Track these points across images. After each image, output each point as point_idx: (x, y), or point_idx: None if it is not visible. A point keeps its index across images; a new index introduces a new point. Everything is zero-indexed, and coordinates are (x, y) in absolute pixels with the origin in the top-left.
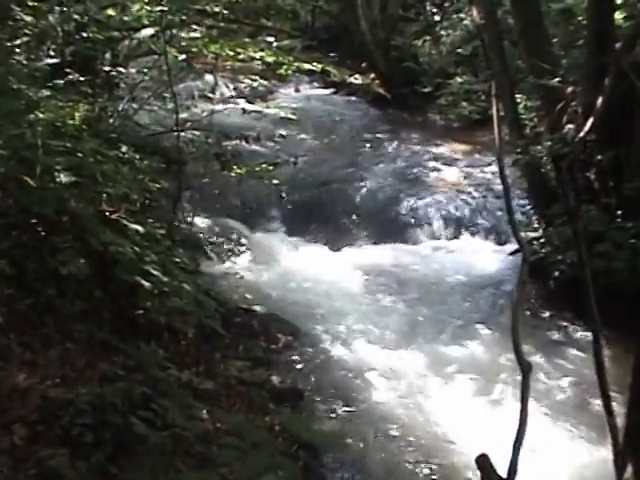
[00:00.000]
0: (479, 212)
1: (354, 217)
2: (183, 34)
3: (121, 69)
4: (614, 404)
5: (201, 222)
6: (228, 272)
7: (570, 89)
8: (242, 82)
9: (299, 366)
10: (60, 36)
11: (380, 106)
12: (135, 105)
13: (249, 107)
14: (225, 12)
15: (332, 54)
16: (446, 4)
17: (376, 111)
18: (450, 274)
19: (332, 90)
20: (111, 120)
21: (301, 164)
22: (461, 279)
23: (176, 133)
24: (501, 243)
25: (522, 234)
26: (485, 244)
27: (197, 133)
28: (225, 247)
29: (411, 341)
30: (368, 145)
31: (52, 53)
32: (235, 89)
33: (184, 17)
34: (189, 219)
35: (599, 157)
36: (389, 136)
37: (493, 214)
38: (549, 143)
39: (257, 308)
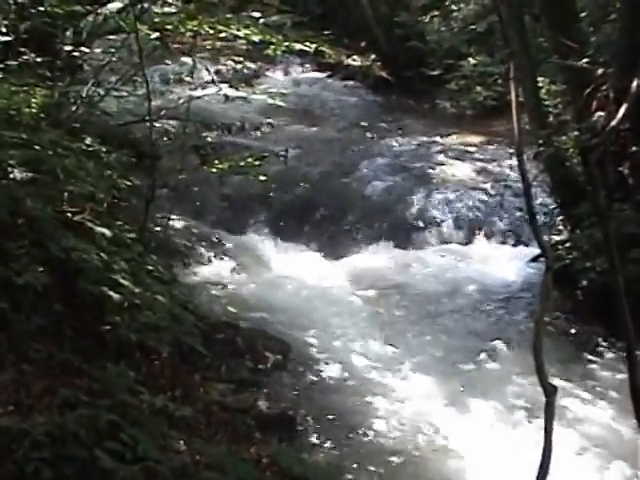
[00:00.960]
0: (495, 212)
1: (352, 219)
2: (156, 9)
3: (84, 49)
4: None
5: (178, 225)
6: (209, 282)
7: (600, 71)
8: (224, 64)
9: (290, 389)
10: (12, 10)
11: (382, 91)
12: (101, 90)
13: (232, 93)
14: None
15: (327, 32)
16: None
17: (377, 97)
18: (462, 283)
19: (327, 73)
20: (73, 108)
21: (292, 158)
22: (475, 289)
23: (148, 123)
24: (521, 247)
25: (545, 237)
26: (502, 249)
27: (173, 123)
28: (205, 253)
29: (418, 360)
30: (368, 136)
31: (3, 29)
32: (216, 72)
33: None
34: (164, 221)
35: (634, 148)
36: (392, 126)
37: (511, 214)
38: (576, 133)
39: (242, 323)
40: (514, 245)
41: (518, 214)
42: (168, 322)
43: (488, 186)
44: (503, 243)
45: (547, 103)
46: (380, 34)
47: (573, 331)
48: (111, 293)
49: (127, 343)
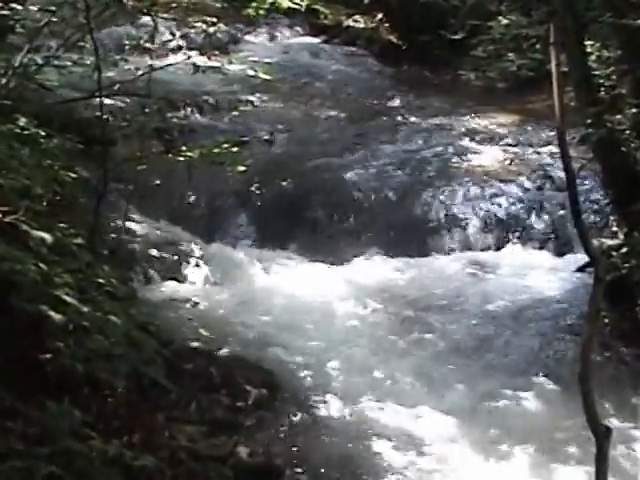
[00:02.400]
0: (532, 211)
1: (354, 220)
2: None
3: (16, 5)
4: None
5: (137, 227)
6: (175, 298)
7: None
8: (193, 27)
9: (277, 432)
10: None
11: (391, 60)
12: (38, 59)
13: (204, 63)
14: None
15: None
16: None
17: (385, 67)
18: (491, 299)
19: (322, 38)
20: (3, 80)
21: (278, 144)
22: (506, 307)
23: (99, 100)
24: (564, 254)
25: (594, 241)
26: (541, 256)
27: (129, 100)
28: (171, 263)
29: (437, 395)
30: (374, 117)
31: None
32: (184, 37)
33: None
34: (119, 223)
35: None
36: (404, 103)
37: (553, 213)
38: (634, 110)
39: (217, 349)
40: (556, 251)
41: (561, 213)
42: (124, 349)
43: (523, 178)
44: (542, 249)
45: (597, 73)
46: None
47: (629, 358)
48: (52, 313)
49: (72, 375)
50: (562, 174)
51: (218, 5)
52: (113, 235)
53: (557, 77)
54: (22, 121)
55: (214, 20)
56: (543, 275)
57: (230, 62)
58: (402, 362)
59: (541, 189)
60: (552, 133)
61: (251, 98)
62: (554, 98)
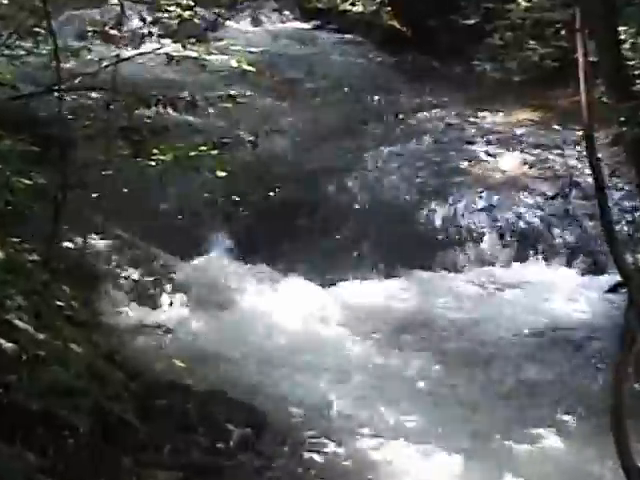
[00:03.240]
0: (557, 222)
1: (351, 232)
2: None
3: None
4: None
5: (101, 242)
6: (146, 324)
7: None
8: (166, 10)
9: (262, 478)
10: None
11: (394, 49)
12: None
13: (178, 52)
14: None
15: None
16: None
17: (387, 57)
18: (510, 323)
19: (315, 23)
20: None
21: (265, 146)
22: (526, 331)
23: (57, 95)
24: (593, 272)
25: (628, 258)
26: (567, 274)
27: (93, 95)
28: (141, 283)
29: (449, 435)
30: (375, 114)
31: None
32: (155, 23)
33: None
34: (81, 237)
35: None
36: (408, 99)
37: (580, 225)
38: None
39: (194, 382)
40: (583, 269)
41: (589, 224)
42: (86, 382)
43: (546, 185)
44: (568, 266)
45: (631, 63)
46: None
47: None
48: (2, 341)
49: (26, 413)
50: (591, 180)
51: None
52: (74, 250)
53: (584, 68)
54: None
55: (190, 3)
56: (569, 296)
57: (209, 52)
58: (405, 395)
59: (566, 197)
60: (579, 133)
61: (233, 93)
62: (581, 92)
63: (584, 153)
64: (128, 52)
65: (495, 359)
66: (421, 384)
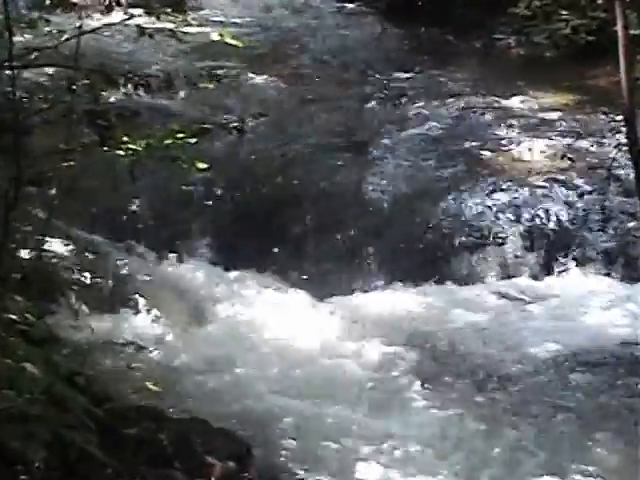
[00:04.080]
0: (593, 223)
1: (353, 236)
2: None
3: None
4: None
5: (61, 245)
6: (113, 340)
7: None
8: None
9: None
10: None
11: (402, 21)
12: None
13: (152, 24)
14: None
15: None
16: None
17: (394, 30)
18: (537, 341)
19: None
20: None
21: (252, 133)
22: (558, 350)
23: (10, 72)
24: (635, 280)
25: None
26: (604, 283)
27: (51, 72)
28: (108, 292)
29: (464, 474)
30: (380, 97)
31: None
32: None
33: None
34: (37, 239)
35: None
36: (419, 78)
37: (620, 227)
38: None
39: (169, 408)
40: (624, 277)
41: (631, 225)
42: (43, 408)
43: (580, 179)
44: (606, 274)
45: None
46: None
47: None
48: None
49: None
50: (632, 172)
51: None
52: (28, 255)
53: (624, 42)
54: None
55: None
56: (607, 309)
57: (187, 23)
58: (417, 423)
59: (604, 193)
60: (619, 117)
61: (215, 71)
62: (621, 71)
63: (625, 141)
64: (93, 23)
65: (521, 382)
66: (431, 410)
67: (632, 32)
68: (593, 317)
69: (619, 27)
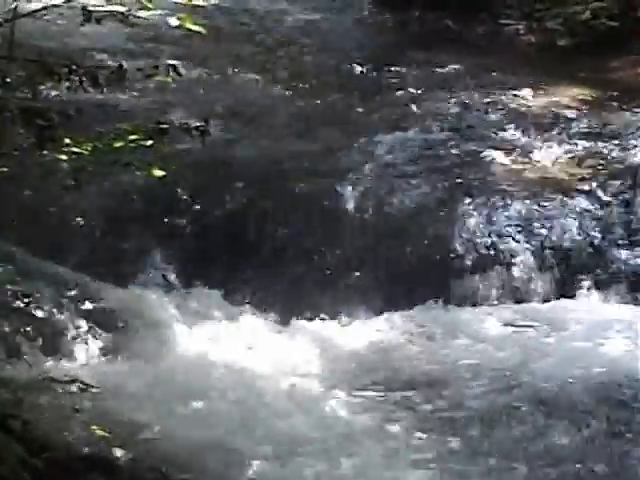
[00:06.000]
0: (615, 238)
1: (336, 254)
2: None
3: None
4: None
5: None
6: (55, 378)
7: None
8: None
9: None
10: None
11: (396, 5)
12: None
13: (100, 7)
14: None
15: None
16: None
17: (385, 15)
18: (550, 375)
19: None
20: None
21: (218, 135)
22: (574, 386)
23: None
24: None
25: None
26: (628, 310)
27: None
28: (48, 323)
29: None
30: (370, 91)
31: None
32: None
33: None
34: None
35: None
36: (415, 70)
37: None
38: None
39: (120, 456)
40: None
41: None
42: None
43: (600, 188)
44: (630, 299)
45: None
46: None
47: None
48: None
49: None
50: None
51: None
52: None
53: None
54: None
55: None
56: (632, 340)
57: (142, 6)
58: (406, 474)
59: (629, 205)
60: None
61: (174, 62)
62: None
63: None
64: (30, 5)
65: (527, 422)
66: (425, 456)
67: None
68: (613, 349)
69: None
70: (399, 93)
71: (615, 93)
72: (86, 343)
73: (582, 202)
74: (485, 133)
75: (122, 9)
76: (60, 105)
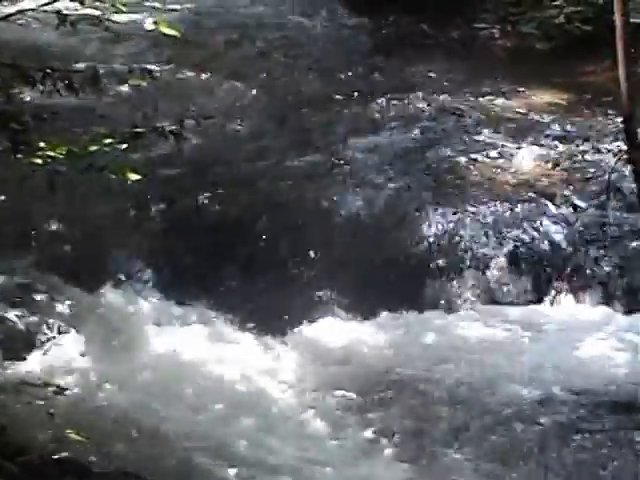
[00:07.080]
0: (589, 243)
1: (313, 259)
2: None
3: None
4: None
5: None
6: (29, 381)
7: None
8: None
9: None
10: None
11: (372, 9)
12: None
13: (75, 10)
14: None
15: None
16: None
17: (361, 18)
18: (524, 380)
19: None
20: None
21: (193, 138)
22: (549, 391)
23: None
24: (638, 311)
25: None
26: (603, 313)
27: None
28: (21, 326)
29: None
30: (345, 95)
31: None
32: None
33: None
34: None
35: None
36: (390, 75)
37: (621, 247)
38: None
39: (96, 460)
40: (625, 306)
41: (635, 245)
42: None
43: (575, 192)
44: (605, 303)
45: None
46: None
47: None
48: None
49: None
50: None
51: None
52: None
53: (622, 33)
54: None
55: None
56: (607, 343)
57: (116, 9)
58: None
59: (603, 208)
60: (619, 119)
61: (149, 66)
62: (619, 65)
63: (624, 148)
64: (4, 8)
65: (505, 427)
66: (403, 464)
67: (632, 20)
68: (587, 352)
69: (617, 16)
70: (374, 97)
71: (589, 97)
72: (61, 346)
73: (556, 206)
74: (460, 137)
75: (96, 12)
76: (35, 109)
